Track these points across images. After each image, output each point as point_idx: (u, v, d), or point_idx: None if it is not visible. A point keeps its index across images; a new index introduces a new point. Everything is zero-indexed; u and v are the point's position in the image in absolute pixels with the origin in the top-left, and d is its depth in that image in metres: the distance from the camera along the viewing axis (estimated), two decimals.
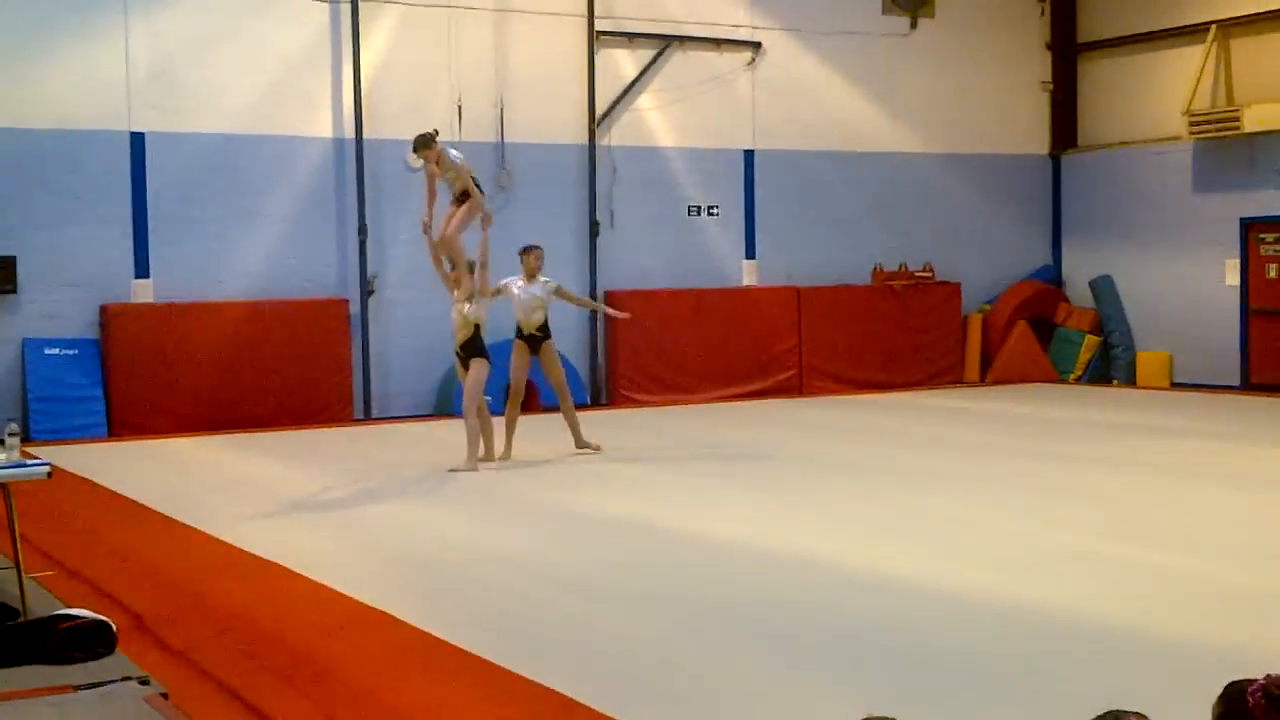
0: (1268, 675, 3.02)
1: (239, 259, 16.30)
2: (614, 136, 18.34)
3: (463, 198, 12.39)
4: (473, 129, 17.38)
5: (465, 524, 9.82)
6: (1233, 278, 18.90)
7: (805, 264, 19.44)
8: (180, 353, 15.73)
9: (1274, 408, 16.49)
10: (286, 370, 16.22)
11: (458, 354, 12.37)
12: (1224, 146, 18.80)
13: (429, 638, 6.59)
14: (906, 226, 20.21)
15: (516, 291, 12.77)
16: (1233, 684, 3.09)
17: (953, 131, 20.58)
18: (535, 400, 17.28)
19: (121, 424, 15.40)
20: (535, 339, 12.86)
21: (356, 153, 16.75)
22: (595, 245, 18.10)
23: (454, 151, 12.53)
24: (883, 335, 19.55)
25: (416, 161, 17.14)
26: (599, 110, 18.17)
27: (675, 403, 17.77)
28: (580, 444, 13.06)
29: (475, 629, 6.72)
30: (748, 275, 19.30)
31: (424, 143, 12.24)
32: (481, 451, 12.31)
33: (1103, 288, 20.30)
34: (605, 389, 18.17)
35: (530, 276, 12.85)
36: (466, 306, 12.09)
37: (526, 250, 12.96)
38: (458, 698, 5.73)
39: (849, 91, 19.89)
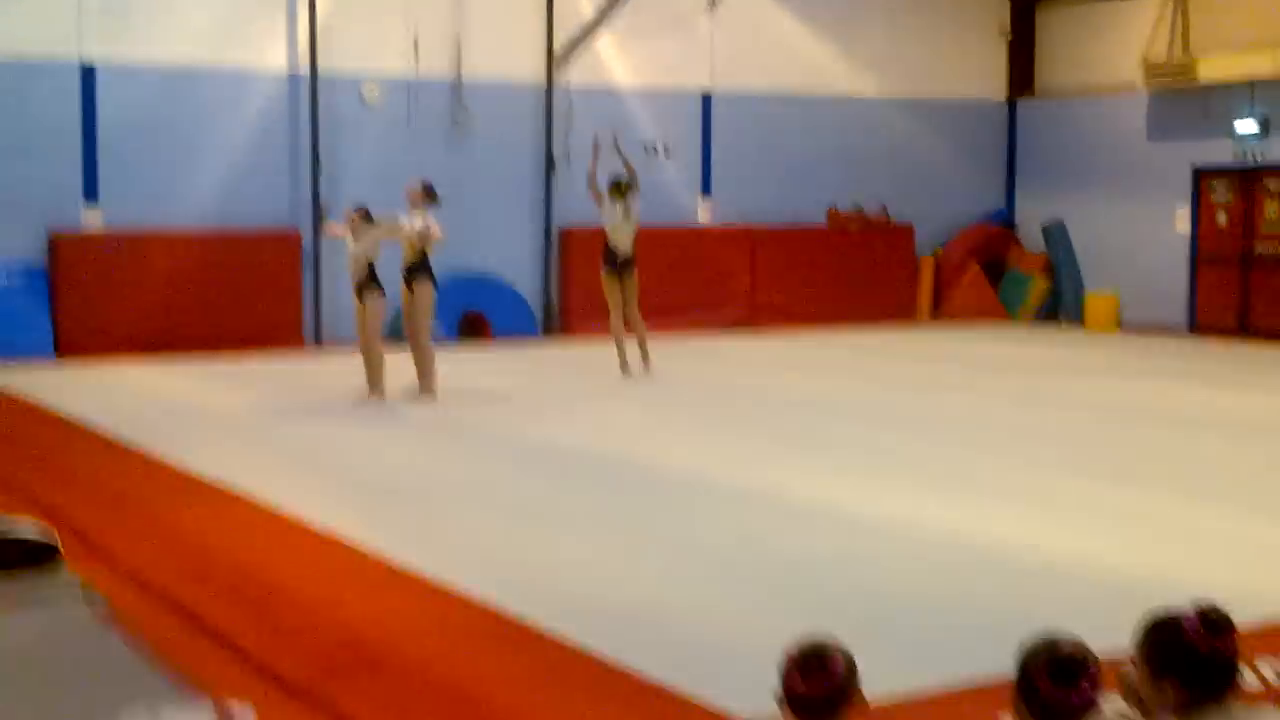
0: (1197, 605, 3.09)
1: (190, 189, 16.14)
2: (572, 76, 18.26)
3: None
4: (429, 65, 17.25)
5: (411, 447, 9.84)
6: (1183, 225, 19.07)
7: (761, 204, 19.45)
8: (129, 280, 15.61)
9: (1219, 351, 16.70)
10: (237, 298, 16.11)
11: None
12: (1179, 96, 18.91)
13: (376, 558, 6.63)
14: (862, 169, 20.24)
15: (615, 220, 13.58)
16: (1155, 617, 3.16)
17: (910, 76, 20.59)
18: (488, 330, 17.31)
19: (68, 347, 15.28)
20: (624, 266, 13.67)
21: (311, 86, 16.59)
22: (550, 183, 18.05)
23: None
24: (836, 275, 19.63)
25: (371, 95, 17.09)
26: (557, 49, 18.06)
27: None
28: (647, 365, 13.82)
29: (423, 549, 6.76)
30: (703, 214, 19.31)
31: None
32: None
33: (1054, 232, 20.45)
34: (557, 320, 18.18)
35: (620, 204, 13.59)
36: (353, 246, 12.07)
37: (615, 183, 13.68)
38: (403, 614, 5.78)
39: (807, 35, 19.84)
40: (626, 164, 13.82)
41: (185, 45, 16.08)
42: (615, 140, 14.11)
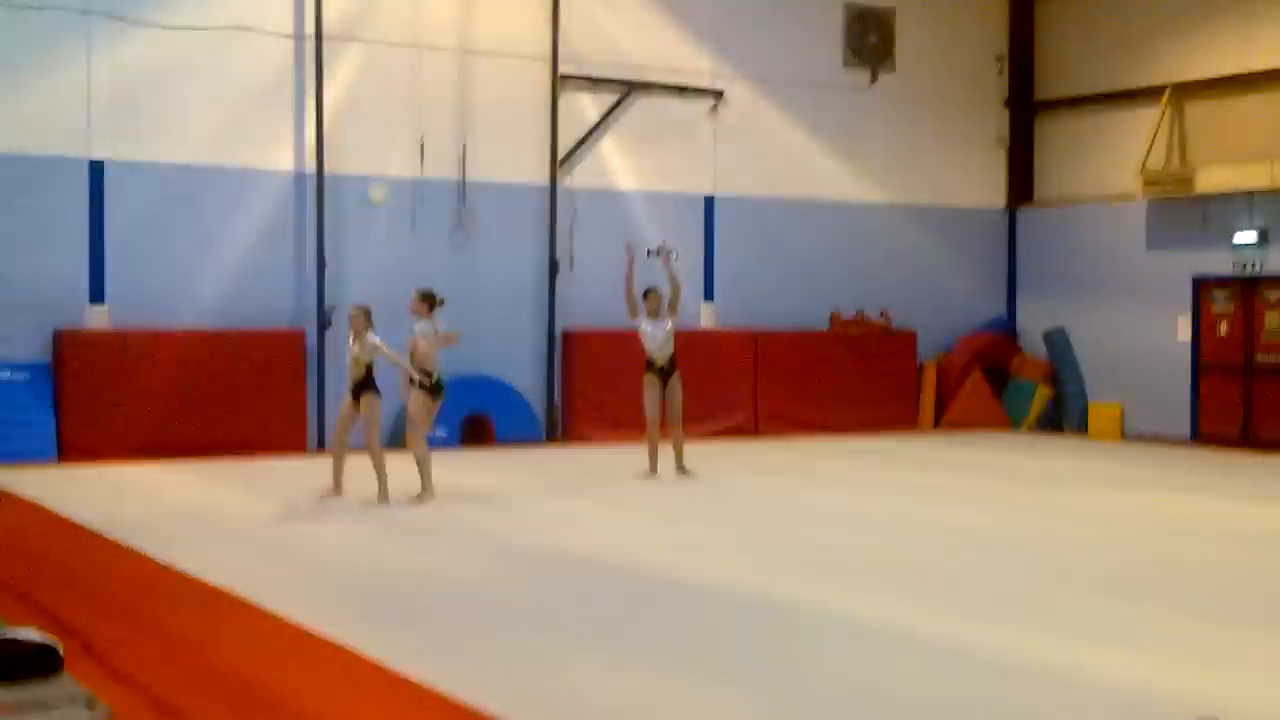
0: None
1: (196, 288, 16.22)
2: (575, 178, 18.43)
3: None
4: (435, 166, 17.42)
5: (418, 554, 9.77)
6: (1184, 334, 19.14)
7: (763, 309, 19.54)
8: (134, 379, 15.61)
9: (1221, 460, 16.67)
10: (240, 399, 16.11)
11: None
12: (1177, 206, 19.08)
13: (381, 668, 6.55)
14: (864, 275, 20.37)
15: (648, 329, 14.05)
16: None
17: (911, 183, 20.81)
18: (490, 433, 17.28)
19: (71, 448, 15.25)
20: (665, 371, 14.13)
21: (317, 186, 16.74)
22: (555, 285, 18.13)
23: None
24: (839, 381, 19.68)
25: (377, 195, 17.22)
26: (561, 152, 18.25)
27: (632, 441, 17.73)
28: (680, 469, 14.20)
29: (427, 660, 6.68)
30: (706, 318, 19.38)
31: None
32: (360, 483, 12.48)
33: (1056, 340, 20.53)
34: (561, 426, 18.16)
35: (654, 314, 14.09)
36: (356, 348, 12.16)
37: (647, 293, 14.12)
38: None
39: (809, 141, 20.08)
40: (673, 279, 14.31)
41: (193, 144, 16.23)
42: (670, 254, 14.75)
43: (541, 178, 18.19)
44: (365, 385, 12.15)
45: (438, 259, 17.23)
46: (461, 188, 17.64)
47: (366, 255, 17.09)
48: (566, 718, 5.79)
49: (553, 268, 18.14)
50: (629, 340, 18.13)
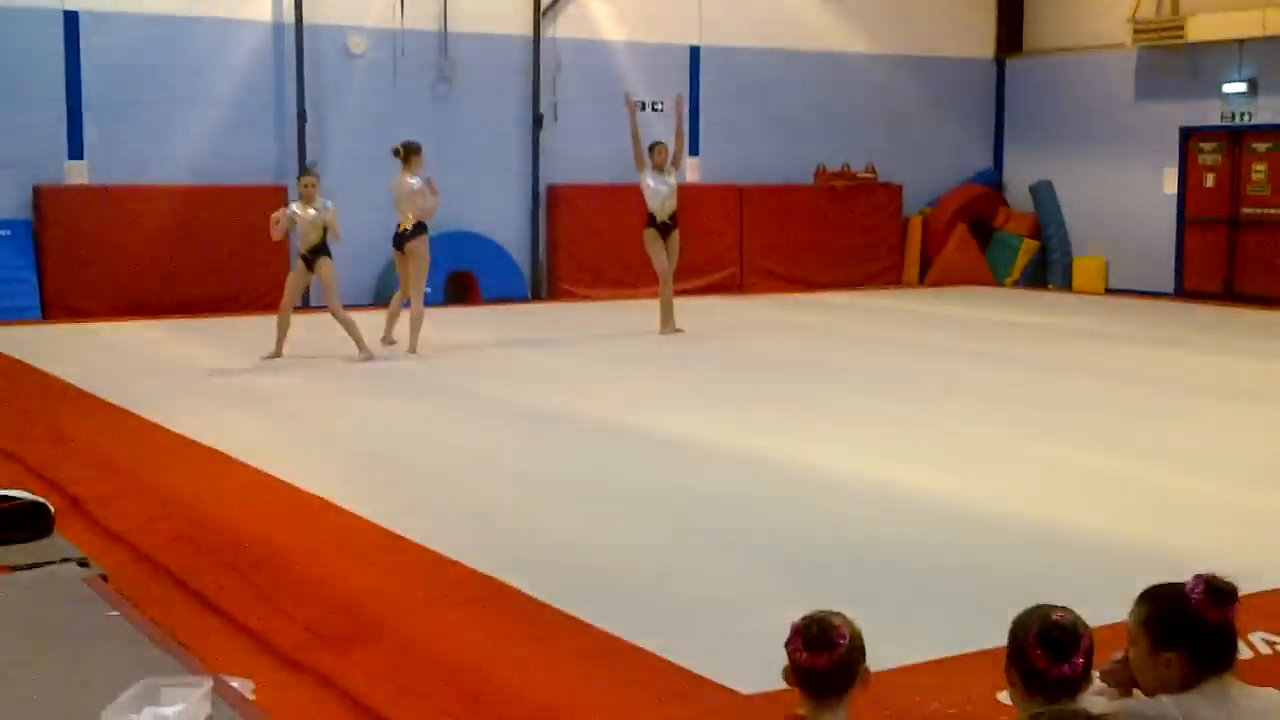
0: (1201, 576, 3.09)
1: (175, 143, 16.03)
2: (559, 28, 18.13)
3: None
4: (415, 17, 17.11)
5: (402, 413, 9.82)
6: (1170, 186, 19.07)
7: (748, 162, 19.39)
8: (115, 236, 15.51)
9: (1206, 314, 16.74)
10: (223, 256, 16.04)
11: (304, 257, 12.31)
12: (1167, 55, 18.86)
13: (370, 524, 6.63)
14: (850, 127, 20.17)
15: (651, 184, 13.75)
16: (1155, 587, 3.16)
17: (899, 33, 20.49)
18: (475, 291, 17.26)
19: (56, 306, 15.22)
20: (667, 226, 13.91)
21: (296, 37, 16.45)
22: (538, 138, 17.95)
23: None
24: (824, 235, 19.62)
25: (358, 47, 16.94)
26: (544, 1, 17.92)
27: (616, 298, 17.76)
28: (665, 327, 14.05)
29: (416, 517, 6.76)
30: (691, 172, 19.23)
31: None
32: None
33: (1042, 193, 20.44)
34: (546, 283, 18.14)
35: (659, 168, 13.80)
36: (310, 212, 12.16)
37: (653, 147, 13.85)
38: (399, 583, 5.78)
39: None
40: (680, 132, 14.16)
41: None
42: (680, 107, 14.45)
43: (525, 28, 17.89)
44: (320, 250, 12.16)
45: (419, 112, 17.01)
46: (443, 39, 17.35)
47: (347, 108, 16.87)
48: (548, 571, 5.87)
49: (536, 121, 17.94)
50: (615, 194, 18.08)
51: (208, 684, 3.79)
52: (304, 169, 12.85)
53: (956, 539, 6.59)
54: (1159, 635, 3.04)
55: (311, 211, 12.12)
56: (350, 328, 12.21)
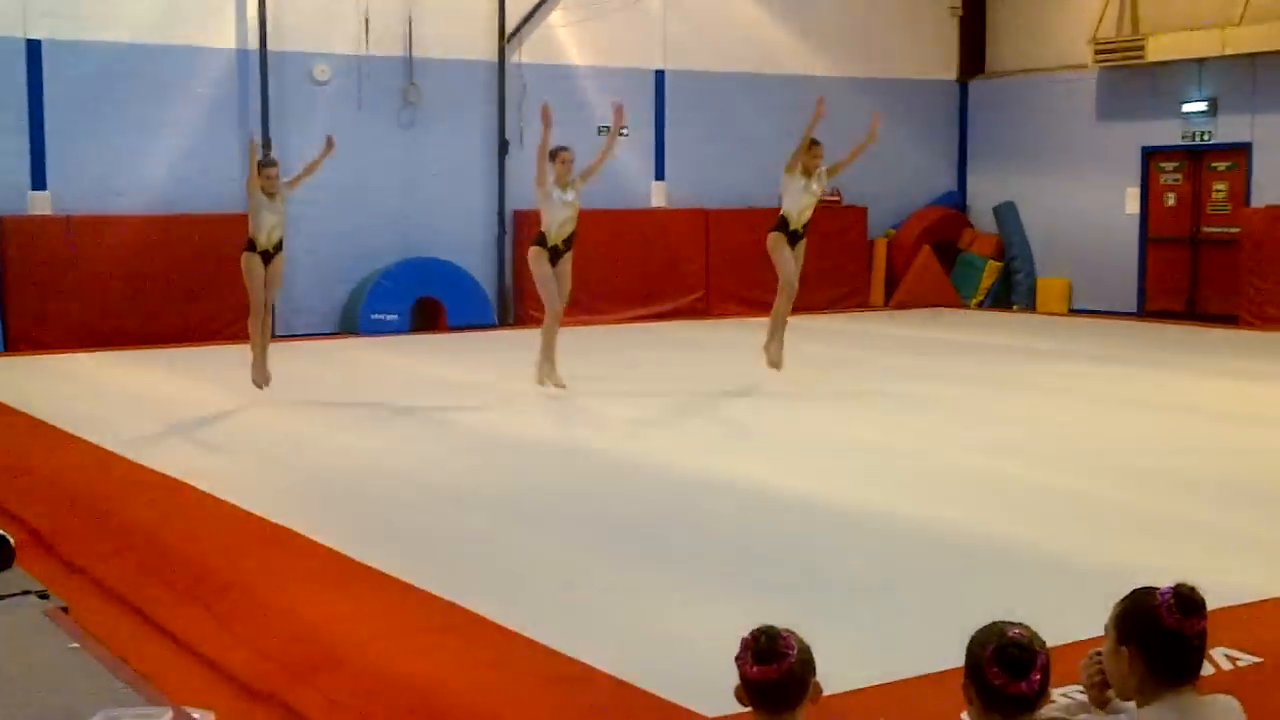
0: (1177, 583, 3.13)
1: (139, 172, 15.98)
2: (524, 54, 18.17)
3: None
4: (380, 43, 17.13)
5: (368, 441, 9.80)
6: (1133, 206, 19.23)
7: (714, 186, 19.45)
8: (79, 267, 15.43)
9: (1169, 334, 16.86)
10: (187, 286, 15.96)
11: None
12: (1128, 75, 19.05)
13: (333, 553, 6.60)
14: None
15: (555, 197, 11.50)
16: (1139, 589, 3.20)
17: (862, 56, 20.62)
18: (442, 318, 17.24)
19: (19, 338, 15.12)
20: (558, 251, 11.62)
21: (261, 64, 16.44)
22: (504, 164, 17.97)
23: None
24: None
25: (322, 75, 16.93)
26: (509, 27, 17.97)
27: (581, 323, 17.73)
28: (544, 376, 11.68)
29: (379, 544, 6.73)
30: (657, 196, 19.29)
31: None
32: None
33: (1006, 214, 20.57)
34: (512, 309, 18.13)
35: (561, 182, 11.55)
36: (279, 203, 11.27)
37: (555, 153, 11.58)
38: (361, 611, 5.76)
39: (760, 13, 19.84)
40: (610, 148, 12.12)
41: (133, 22, 15.90)
42: (619, 118, 12.24)
43: (490, 54, 17.93)
44: (280, 247, 11.34)
45: (385, 138, 17.04)
46: (408, 64, 17.37)
47: (312, 135, 16.82)
48: (514, 599, 5.86)
49: (503, 146, 17.96)
50: (582, 218, 18.07)
51: (168, 715, 3.78)
52: (265, 159, 11.55)
53: (915, 558, 6.61)
54: (1121, 628, 3.10)
55: (280, 205, 11.26)
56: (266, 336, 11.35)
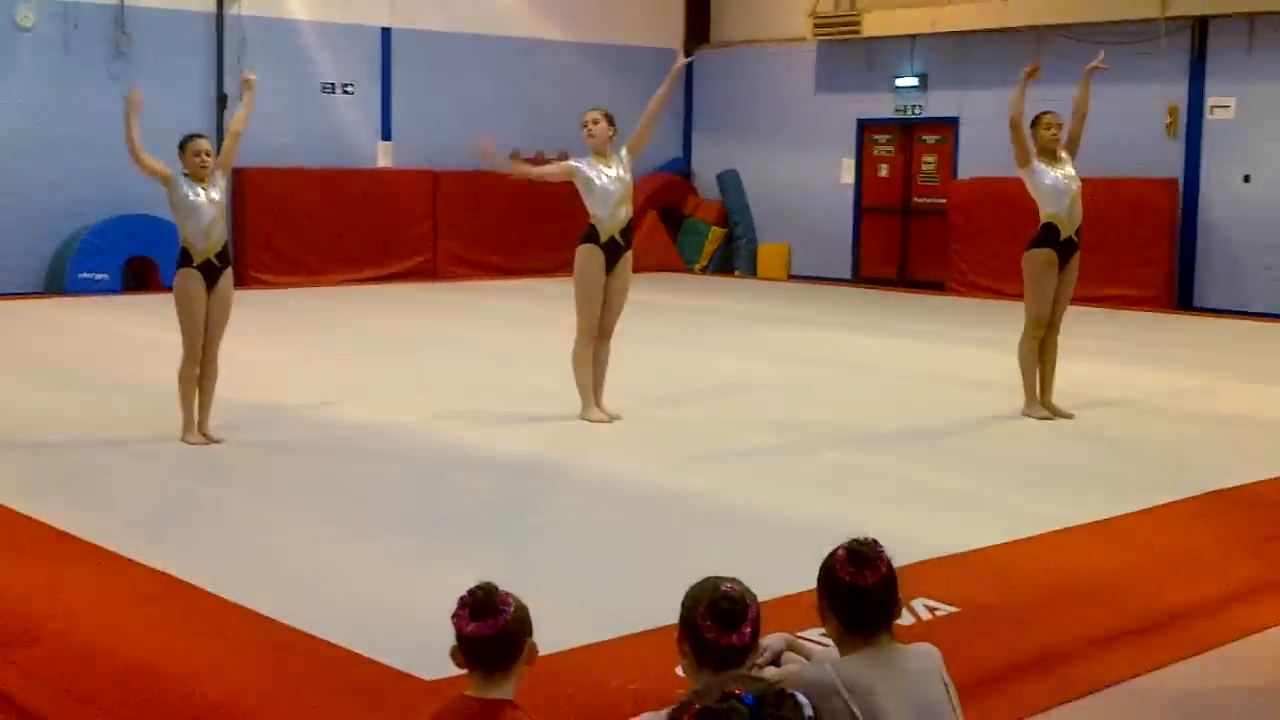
0: (852, 540, 3.26)
1: None
2: (244, 5, 17.58)
3: None
4: None
5: (56, 400, 9.38)
6: (848, 176, 19.90)
7: (442, 147, 19.23)
8: None
9: (882, 300, 17.53)
10: None
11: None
12: (844, 49, 19.66)
13: (32, 521, 6.30)
14: (543, 113, 20.20)
15: (597, 181, 9.31)
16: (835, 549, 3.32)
17: (591, 21, 20.70)
18: (156, 277, 16.60)
19: None
20: (615, 247, 9.35)
21: None
22: (223, 119, 17.37)
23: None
24: (518, 221, 19.63)
25: (26, 20, 16.04)
26: None
27: (305, 284, 17.37)
28: None
29: (84, 513, 6.46)
30: (383, 156, 18.98)
31: None
32: None
33: (729, 182, 21.01)
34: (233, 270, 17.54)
35: (603, 156, 9.52)
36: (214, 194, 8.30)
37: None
38: (62, 581, 5.52)
39: None
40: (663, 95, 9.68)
41: None
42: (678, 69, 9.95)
43: (207, 4, 17.28)
44: (225, 256, 8.23)
45: (95, 88, 16.24)
46: (120, 12, 16.59)
47: (15, 83, 15.97)
48: (253, 574, 5.71)
49: (220, 101, 17.36)
50: (306, 178, 17.70)
51: None
52: (191, 134, 8.51)
53: (631, 518, 6.72)
54: (819, 590, 3.23)
55: (215, 195, 8.14)
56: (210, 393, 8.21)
